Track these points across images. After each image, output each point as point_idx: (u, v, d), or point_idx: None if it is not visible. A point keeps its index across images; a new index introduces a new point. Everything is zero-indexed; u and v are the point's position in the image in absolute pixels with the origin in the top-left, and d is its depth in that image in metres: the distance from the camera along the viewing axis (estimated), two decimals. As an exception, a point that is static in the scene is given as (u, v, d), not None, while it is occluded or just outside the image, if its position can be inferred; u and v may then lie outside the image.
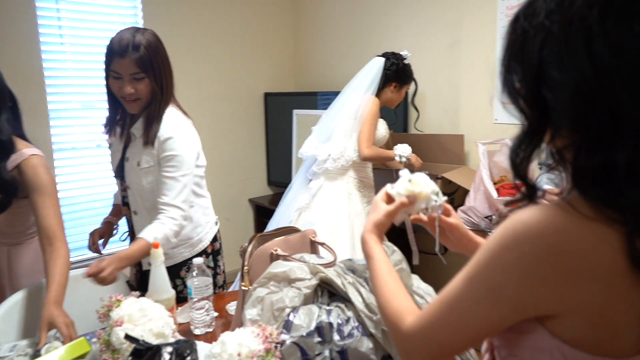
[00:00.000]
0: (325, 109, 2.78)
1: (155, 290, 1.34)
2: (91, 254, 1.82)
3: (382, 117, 2.64)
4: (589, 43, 0.58)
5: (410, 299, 0.80)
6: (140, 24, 3.20)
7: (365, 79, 2.59)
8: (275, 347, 1.03)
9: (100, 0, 3.06)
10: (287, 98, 3.78)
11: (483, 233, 2.29)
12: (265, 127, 3.97)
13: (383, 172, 2.82)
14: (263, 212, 3.79)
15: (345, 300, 1.12)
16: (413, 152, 2.60)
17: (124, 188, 1.71)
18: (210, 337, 1.36)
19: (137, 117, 1.62)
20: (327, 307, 1.11)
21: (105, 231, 1.84)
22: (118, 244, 1.96)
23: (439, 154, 2.89)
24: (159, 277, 1.35)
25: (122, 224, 1.87)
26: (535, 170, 0.69)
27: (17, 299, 1.49)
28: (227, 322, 1.45)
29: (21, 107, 1.55)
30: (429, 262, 2.73)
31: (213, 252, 1.82)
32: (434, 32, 3.05)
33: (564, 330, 0.64)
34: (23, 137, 1.54)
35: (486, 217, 2.34)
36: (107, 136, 1.73)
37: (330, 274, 1.14)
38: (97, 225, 1.84)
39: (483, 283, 0.66)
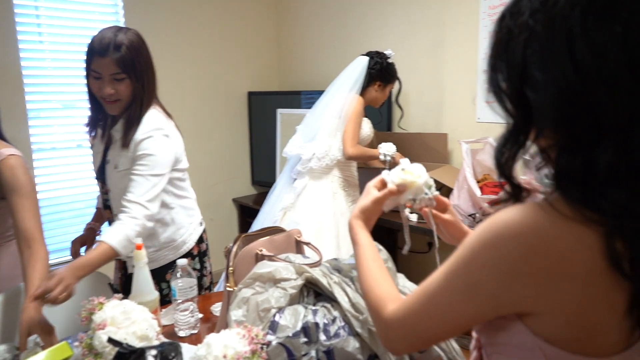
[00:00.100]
0: (310, 108, 2.77)
1: (138, 292, 1.32)
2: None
3: (366, 116, 2.65)
4: (570, 43, 0.58)
5: (394, 286, 0.82)
6: (121, 22, 3.16)
7: (350, 78, 2.59)
8: (261, 348, 1.03)
9: (79, -2, 3.01)
10: (271, 97, 3.76)
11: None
12: (249, 127, 3.95)
13: (368, 171, 2.83)
14: (247, 212, 3.77)
15: (331, 300, 1.12)
16: (397, 150, 2.62)
17: (105, 191, 1.67)
18: (195, 339, 1.35)
19: (118, 118, 1.58)
20: (313, 307, 1.10)
21: (87, 238, 1.78)
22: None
23: (423, 153, 2.91)
24: (142, 279, 1.33)
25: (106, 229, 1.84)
26: (520, 169, 0.69)
27: (-5, 303, 1.46)
28: (212, 324, 1.44)
29: (-1, 107, 1.52)
30: (415, 260, 2.75)
31: (199, 253, 1.78)
32: (418, 32, 3.07)
33: (543, 327, 0.65)
34: (1, 137, 1.51)
35: (470, 215, 2.36)
36: (89, 137, 1.69)
37: (316, 273, 1.14)
38: (77, 226, 1.81)
39: (462, 278, 0.67)
